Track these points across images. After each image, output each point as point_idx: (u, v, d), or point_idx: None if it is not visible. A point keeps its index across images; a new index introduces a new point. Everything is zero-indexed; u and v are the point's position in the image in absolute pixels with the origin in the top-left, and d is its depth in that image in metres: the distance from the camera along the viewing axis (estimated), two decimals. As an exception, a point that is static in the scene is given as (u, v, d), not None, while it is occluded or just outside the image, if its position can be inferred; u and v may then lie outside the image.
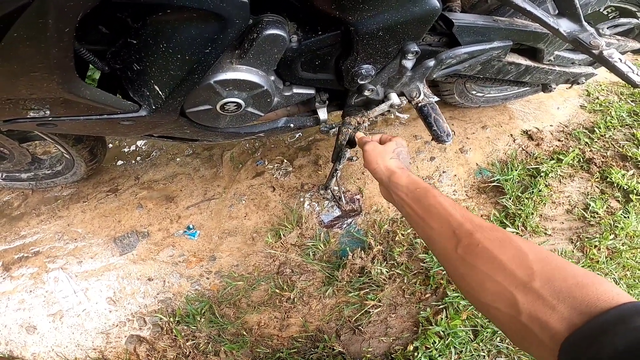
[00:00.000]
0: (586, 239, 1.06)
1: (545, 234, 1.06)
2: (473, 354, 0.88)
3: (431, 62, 0.71)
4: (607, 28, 0.92)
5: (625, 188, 1.16)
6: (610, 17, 0.99)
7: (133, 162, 1.22)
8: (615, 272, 1.01)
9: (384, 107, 0.76)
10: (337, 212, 1.04)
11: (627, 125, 1.44)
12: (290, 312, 0.93)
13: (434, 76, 0.79)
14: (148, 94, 0.54)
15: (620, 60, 0.67)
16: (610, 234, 1.05)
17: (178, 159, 1.21)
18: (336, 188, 1.05)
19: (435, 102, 0.80)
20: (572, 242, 1.06)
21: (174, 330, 0.90)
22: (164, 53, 0.49)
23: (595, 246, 1.04)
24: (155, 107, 0.54)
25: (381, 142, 0.70)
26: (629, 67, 0.67)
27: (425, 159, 1.20)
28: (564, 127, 1.41)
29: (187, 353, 0.89)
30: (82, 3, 0.35)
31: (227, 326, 0.90)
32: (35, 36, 0.35)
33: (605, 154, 1.28)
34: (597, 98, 1.58)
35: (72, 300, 0.98)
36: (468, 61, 0.76)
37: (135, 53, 0.51)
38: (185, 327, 0.91)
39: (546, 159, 1.22)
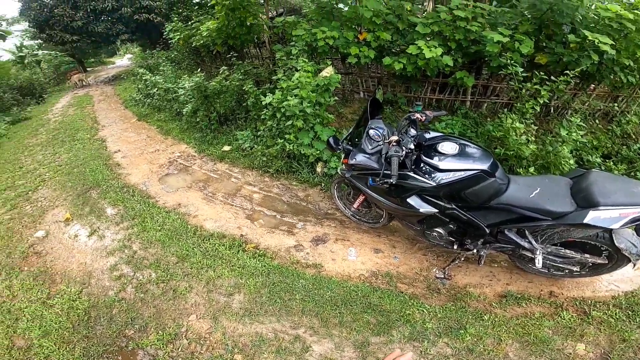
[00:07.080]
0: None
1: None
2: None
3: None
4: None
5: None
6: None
7: (389, 229, 3.71)
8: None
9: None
10: (442, 275, 3.08)
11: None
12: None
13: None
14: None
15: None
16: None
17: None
18: (445, 270, 3.10)
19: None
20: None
21: (379, 277, 3.18)
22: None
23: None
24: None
25: None
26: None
27: (486, 282, 3.06)
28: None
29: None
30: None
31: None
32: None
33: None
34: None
35: (352, 257, 3.38)
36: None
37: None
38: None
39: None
